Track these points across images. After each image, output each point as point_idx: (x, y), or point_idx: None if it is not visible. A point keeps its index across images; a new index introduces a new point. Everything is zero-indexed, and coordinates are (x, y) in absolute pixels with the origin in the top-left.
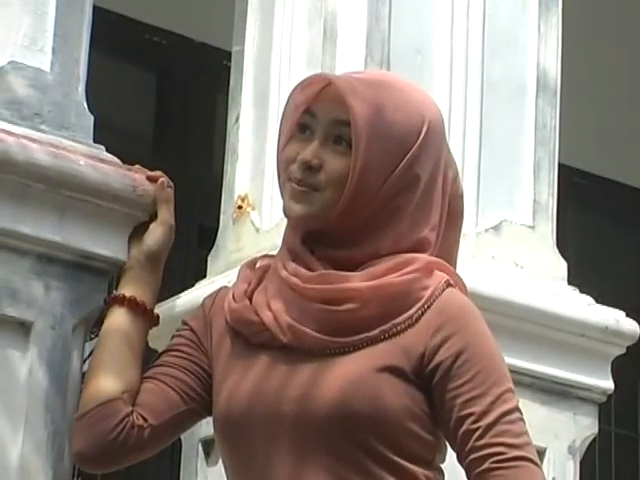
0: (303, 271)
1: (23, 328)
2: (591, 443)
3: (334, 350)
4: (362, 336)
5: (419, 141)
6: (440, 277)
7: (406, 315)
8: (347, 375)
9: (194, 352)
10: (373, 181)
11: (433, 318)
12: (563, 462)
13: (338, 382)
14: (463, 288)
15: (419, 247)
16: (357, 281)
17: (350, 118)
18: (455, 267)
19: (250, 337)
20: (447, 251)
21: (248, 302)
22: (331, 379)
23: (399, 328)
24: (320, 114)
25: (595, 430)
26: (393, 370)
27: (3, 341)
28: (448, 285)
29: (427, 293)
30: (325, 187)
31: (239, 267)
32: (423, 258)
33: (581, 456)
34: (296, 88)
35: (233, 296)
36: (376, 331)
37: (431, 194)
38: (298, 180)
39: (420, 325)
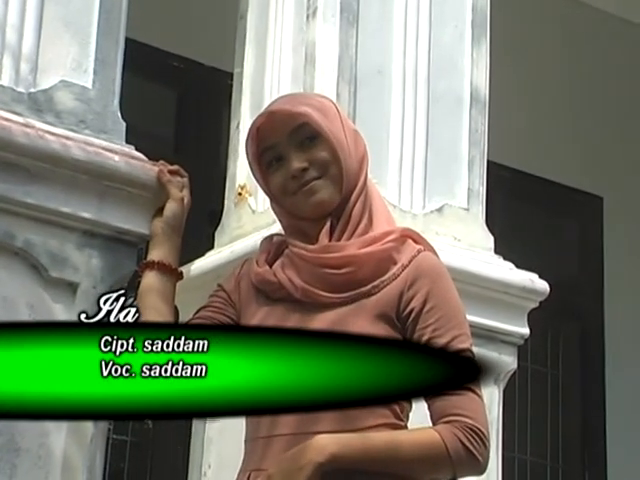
0: (309, 245)
1: (71, 287)
2: (512, 376)
3: (336, 303)
4: (357, 291)
5: (342, 119)
6: (414, 244)
7: (390, 273)
8: (346, 320)
9: (224, 306)
10: (346, 148)
11: (410, 274)
12: (491, 391)
13: (338, 326)
14: (432, 250)
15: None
16: (352, 250)
17: (303, 117)
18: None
19: (270, 293)
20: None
21: (268, 267)
22: (333, 324)
23: (385, 283)
24: (276, 141)
25: (515, 366)
26: (382, 316)
27: (56, 297)
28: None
29: (405, 256)
30: (323, 172)
31: (241, 240)
32: (399, 229)
33: (504, 386)
34: (247, 140)
35: (257, 262)
36: (368, 287)
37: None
38: (304, 182)
39: (400, 279)
